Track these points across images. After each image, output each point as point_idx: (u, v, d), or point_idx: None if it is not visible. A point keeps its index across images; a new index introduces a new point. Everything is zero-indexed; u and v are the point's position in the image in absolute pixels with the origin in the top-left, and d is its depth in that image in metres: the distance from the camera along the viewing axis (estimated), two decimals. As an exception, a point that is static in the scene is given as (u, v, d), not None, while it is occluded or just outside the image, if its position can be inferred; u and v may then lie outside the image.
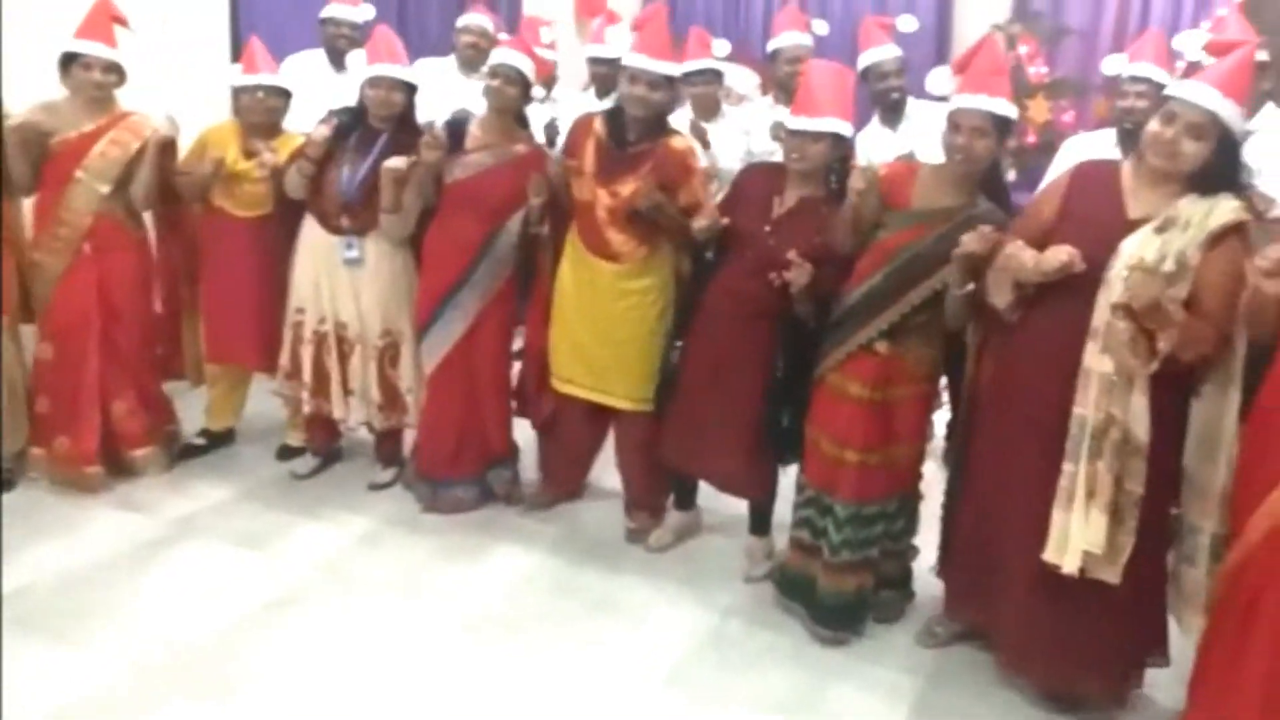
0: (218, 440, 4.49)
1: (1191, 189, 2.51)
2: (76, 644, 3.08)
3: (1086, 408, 2.53)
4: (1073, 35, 6.18)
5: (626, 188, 3.41)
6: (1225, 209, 2.46)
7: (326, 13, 4.96)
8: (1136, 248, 2.48)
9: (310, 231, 3.93)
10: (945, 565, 3.15)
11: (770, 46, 4.83)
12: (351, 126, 3.82)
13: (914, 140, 4.17)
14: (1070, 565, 2.57)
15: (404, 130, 3.81)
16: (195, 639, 3.13)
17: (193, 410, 4.47)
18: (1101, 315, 2.50)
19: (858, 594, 3.17)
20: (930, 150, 3.16)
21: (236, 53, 5.15)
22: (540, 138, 4.25)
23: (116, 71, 3.86)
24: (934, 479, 3.31)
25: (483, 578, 3.54)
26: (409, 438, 4.20)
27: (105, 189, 3.88)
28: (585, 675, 3.03)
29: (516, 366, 4.05)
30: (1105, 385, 2.50)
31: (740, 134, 4.63)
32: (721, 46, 4.89)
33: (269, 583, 3.45)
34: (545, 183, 3.64)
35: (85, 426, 3.97)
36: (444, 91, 4.58)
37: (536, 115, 4.36)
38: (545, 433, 4.01)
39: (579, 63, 5.35)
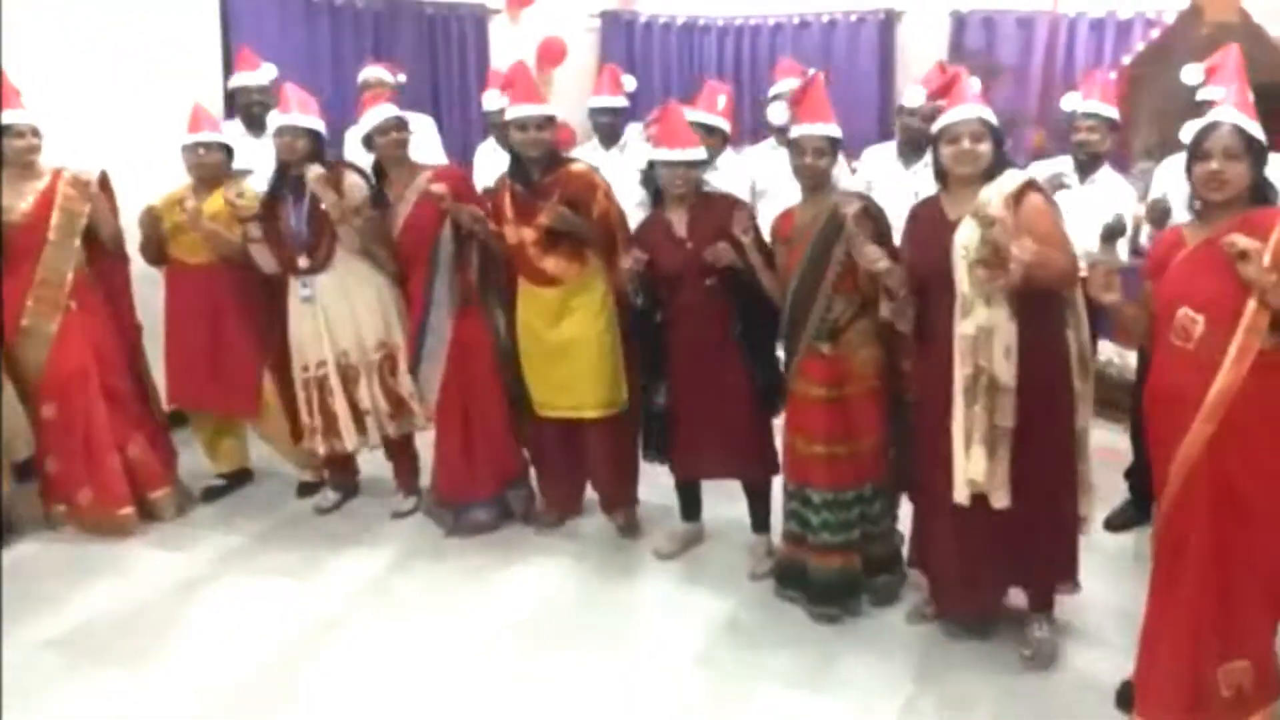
0: (236, 480, 4.75)
1: (984, 182, 3.09)
2: (139, 673, 3.35)
3: (963, 368, 3.07)
4: (1006, 72, 6.61)
5: (545, 217, 3.83)
6: (1010, 177, 3.08)
7: (233, 83, 5.21)
8: (964, 233, 3.05)
9: (292, 290, 4.24)
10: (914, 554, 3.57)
11: (771, 92, 5.24)
12: (281, 183, 4.18)
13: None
14: (960, 496, 3.09)
15: (324, 169, 4.12)
16: (250, 662, 3.41)
17: (202, 457, 4.72)
18: (966, 286, 3.04)
19: (843, 573, 3.56)
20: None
21: (229, 119, 5.48)
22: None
23: (38, 134, 4.09)
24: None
25: (512, 591, 3.85)
26: (425, 466, 4.48)
27: (76, 242, 4.14)
28: (620, 664, 3.37)
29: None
30: (969, 344, 3.04)
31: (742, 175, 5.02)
32: (722, 101, 5.31)
33: (312, 608, 3.74)
34: (446, 190, 3.95)
35: (108, 472, 4.21)
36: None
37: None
38: (535, 459, 4.35)
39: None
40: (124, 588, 3.87)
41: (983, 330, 3.02)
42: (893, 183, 4.58)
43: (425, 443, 4.47)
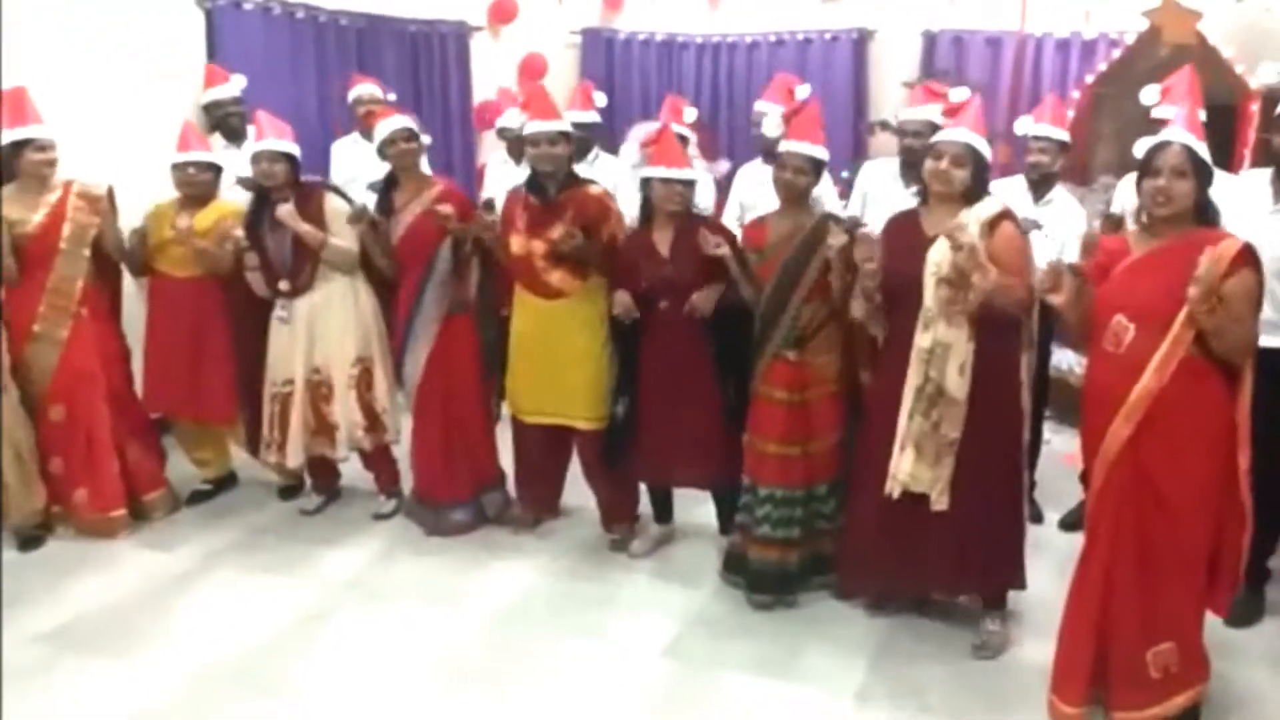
0: (221, 485, 4.88)
1: (964, 205, 3.27)
2: (131, 662, 3.48)
3: (913, 378, 3.27)
4: (975, 90, 6.78)
5: (555, 232, 3.96)
6: (989, 204, 3.28)
7: (205, 99, 5.36)
8: (938, 251, 3.22)
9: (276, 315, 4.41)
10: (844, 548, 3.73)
11: (756, 107, 5.36)
12: (260, 206, 4.34)
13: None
14: (893, 491, 3.32)
15: (302, 193, 4.30)
16: (237, 652, 3.54)
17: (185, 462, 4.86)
18: (930, 302, 3.22)
19: (779, 565, 3.74)
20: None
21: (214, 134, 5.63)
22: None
23: (56, 148, 4.23)
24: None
25: (492, 585, 4.00)
26: (405, 471, 4.62)
27: (86, 252, 4.28)
28: (592, 654, 3.53)
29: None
30: (924, 356, 3.24)
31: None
32: (690, 114, 5.50)
33: (299, 601, 3.88)
34: (453, 212, 4.14)
35: (105, 475, 4.35)
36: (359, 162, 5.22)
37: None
38: (516, 462, 4.48)
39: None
40: (113, 584, 4.00)
41: (939, 345, 3.21)
42: (891, 200, 4.75)
43: (403, 448, 4.61)
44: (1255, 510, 3.48)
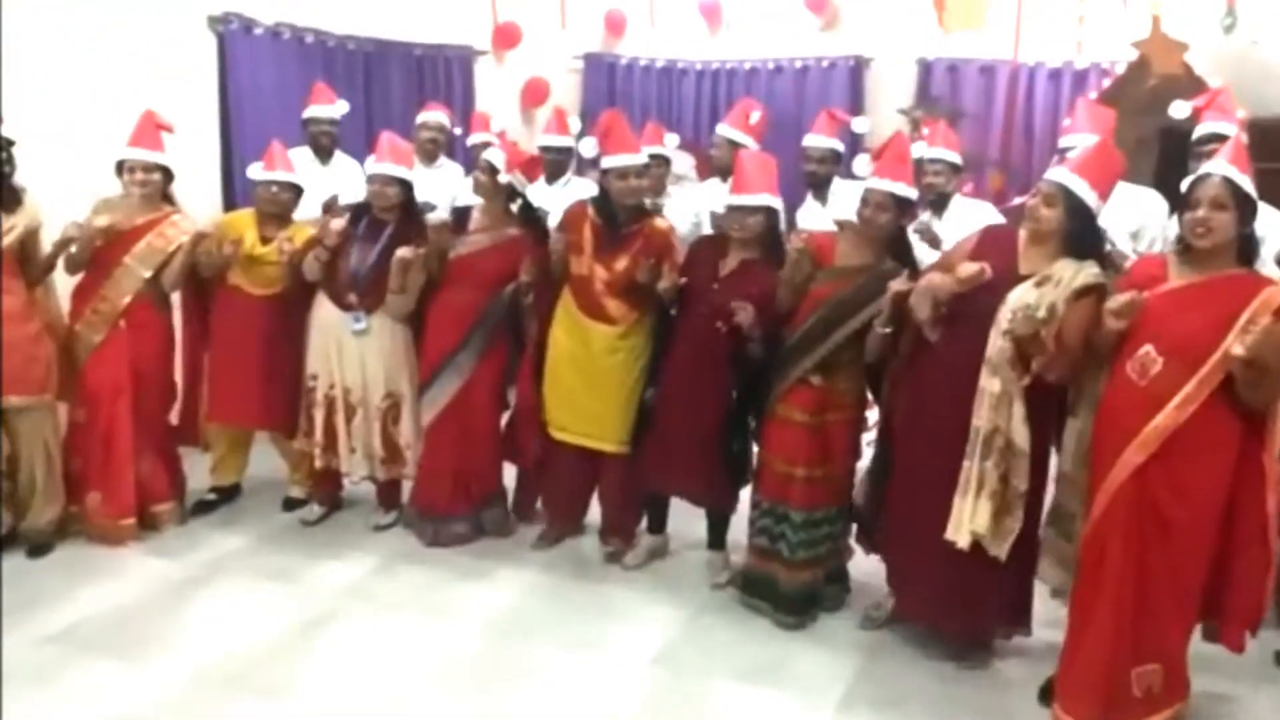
0: (226, 495, 4.99)
1: (1065, 253, 3.16)
2: (136, 665, 3.57)
3: (980, 419, 3.22)
4: (968, 118, 6.92)
5: (620, 263, 4.06)
6: (1088, 273, 3.11)
7: (308, 113, 5.50)
8: (1019, 296, 3.13)
9: (321, 309, 4.51)
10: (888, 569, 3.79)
11: (804, 143, 5.39)
12: (359, 218, 4.45)
13: (839, 212, 4.90)
14: (962, 541, 3.25)
15: (406, 219, 4.45)
16: (242, 655, 3.64)
17: (197, 471, 4.94)
18: (993, 346, 3.18)
19: (811, 586, 3.83)
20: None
21: (225, 152, 5.76)
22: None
23: (159, 171, 4.42)
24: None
25: (488, 594, 4.11)
26: (406, 485, 4.73)
27: (147, 274, 4.42)
28: (584, 662, 3.63)
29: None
30: (993, 401, 3.19)
31: (689, 208, 5.37)
32: (672, 139, 5.62)
33: (300, 607, 3.98)
34: (534, 264, 4.26)
35: (120, 482, 4.45)
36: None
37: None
38: (543, 477, 4.57)
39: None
40: (120, 589, 4.09)
41: (1005, 392, 3.16)
42: (811, 218, 4.98)
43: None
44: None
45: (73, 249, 4.25)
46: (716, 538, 4.24)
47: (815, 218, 4.91)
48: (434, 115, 5.89)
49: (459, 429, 4.44)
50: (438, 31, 7.11)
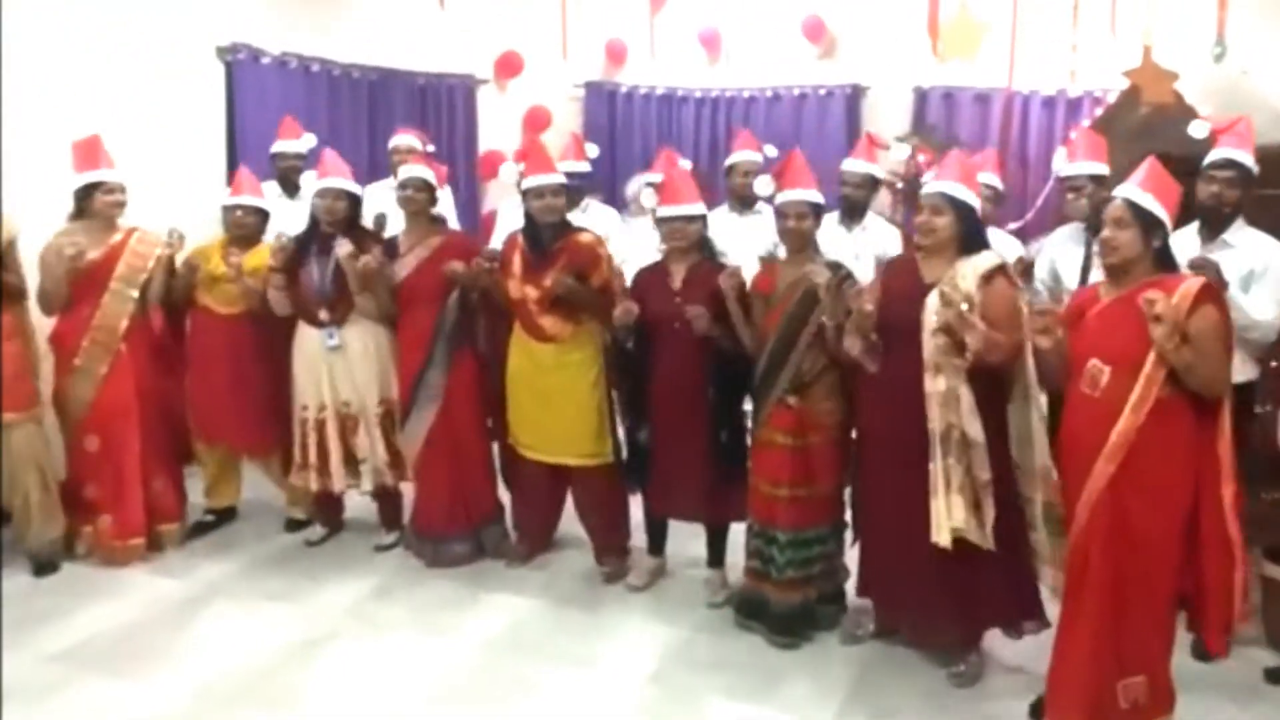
0: (224, 517, 5.05)
1: (960, 254, 3.40)
2: (140, 682, 3.64)
3: (934, 420, 3.36)
4: (963, 146, 7.01)
5: (547, 279, 4.19)
6: (986, 258, 3.40)
7: (275, 148, 5.58)
8: (937, 299, 3.34)
9: (303, 337, 4.59)
10: (862, 582, 3.85)
11: (727, 162, 5.60)
12: (309, 236, 4.54)
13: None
14: (944, 540, 3.33)
15: (353, 232, 4.52)
16: (244, 672, 3.70)
17: (193, 492, 5.01)
18: (928, 349, 3.35)
19: (803, 605, 3.88)
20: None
21: (231, 178, 5.84)
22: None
23: (125, 191, 4.49)
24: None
25: (486, 614, 4.16)
26: (406, 505, 4.79)
27: (135, 293, 4.50)
28: (580, 680, 3.68)
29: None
30: (941, 399, 3.34)
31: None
32: (685, 165, 5.71)
33: (302, 626, 4.04)
34: (461, 267, 4.34)
35: (131, 503, 4.53)
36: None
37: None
38: (514, 496, 4.66)
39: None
40: (124, 608, 4.16)
41: (950, 389, 3.32)
42: (836, 246, 4.98)
43: (406, 485, 4.78)
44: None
45: (48, 285, 4.32)
46: (715, 555, 4.29)
47: (839, 244, 4.86)
48: (404, 139, 5.89)
49: (448, 452, 4.52)
50: (441, 61, 7.25)
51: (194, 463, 5.00)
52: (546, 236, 4.24)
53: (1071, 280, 4.24)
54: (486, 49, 7.60)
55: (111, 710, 3.45)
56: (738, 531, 4.14)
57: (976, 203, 3.49)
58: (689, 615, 4.12)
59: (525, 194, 4.30)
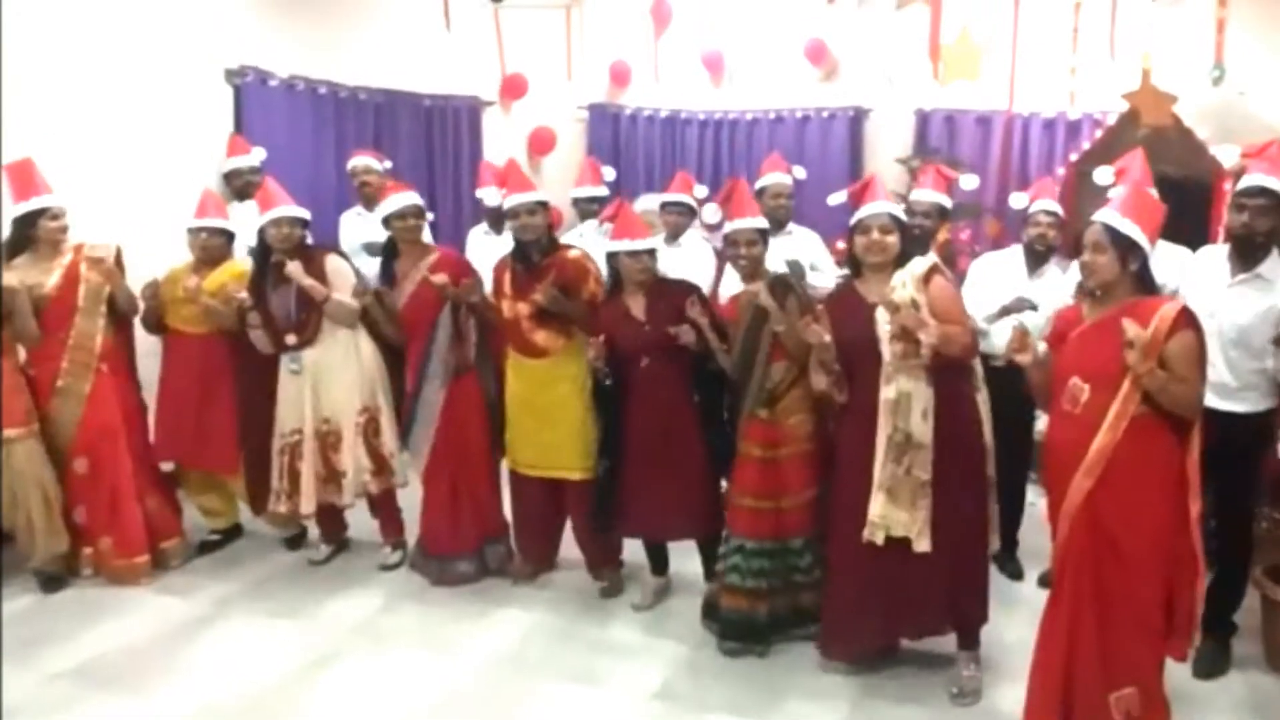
0: (228, 536, 5.08)
1: (894, 268, 3.56)
2: (147, 699, 3.67)
3: (884, 428, 3.48)
4: (965, 167, 7.03)
5: (536, 295, 4.24)
6: (919, 262, 3.57)
7: (227, 167, 5.64)
8: (882, 313, 3.48)
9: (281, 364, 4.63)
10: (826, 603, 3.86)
11: (758, 185, 5.56)
12: (264, 266, 4.58)
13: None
14: (871, 535, 3.49)
15: (305, 253, 4.54)
16: (249, 689, 3.73)
17: (195, 514, 5.03)
18: (886, 357, 3.47)
19: (749, 615, 3.91)
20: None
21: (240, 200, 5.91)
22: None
23: (67, 214, 4.50)
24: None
25: (493, 632, 4.19)
26: (410, 522, 4.82)
27: (103, 309, 4.52)
28: (587, 697, 3.71)
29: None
30: (889, 408, 3.47)
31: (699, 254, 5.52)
32: (701, 190, 5.79)
33: (306, 644, 4.06)
34: (446, 278, 4.36)
35: (130, 522, 4.56)
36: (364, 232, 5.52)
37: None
38: (515, 517, 4.69)
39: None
40: (131, 626, 4.19)
41: (903, 395, 3.46)
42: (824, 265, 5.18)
43: (408, 501, 4.81)
44: (1220, 567, 3.72)
45: (17, 324, 4.34)
46: (710, 569, 4.29)
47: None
48: (362, 160, 5.96)
49: (453, 469, 4.56)
50: (446, 83, 7.30)
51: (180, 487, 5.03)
52: (534, 254, 4.31)
53: None
54: (491, 71, 7.67)
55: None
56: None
57: (902, 218, 3.68)
58: (692, 633, 4.14)
59: (505, 214, 4.40)
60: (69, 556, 4.57)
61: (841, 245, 5.43)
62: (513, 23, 7.63)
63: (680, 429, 4.08)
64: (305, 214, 4.59)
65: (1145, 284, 3.14)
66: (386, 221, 4.52)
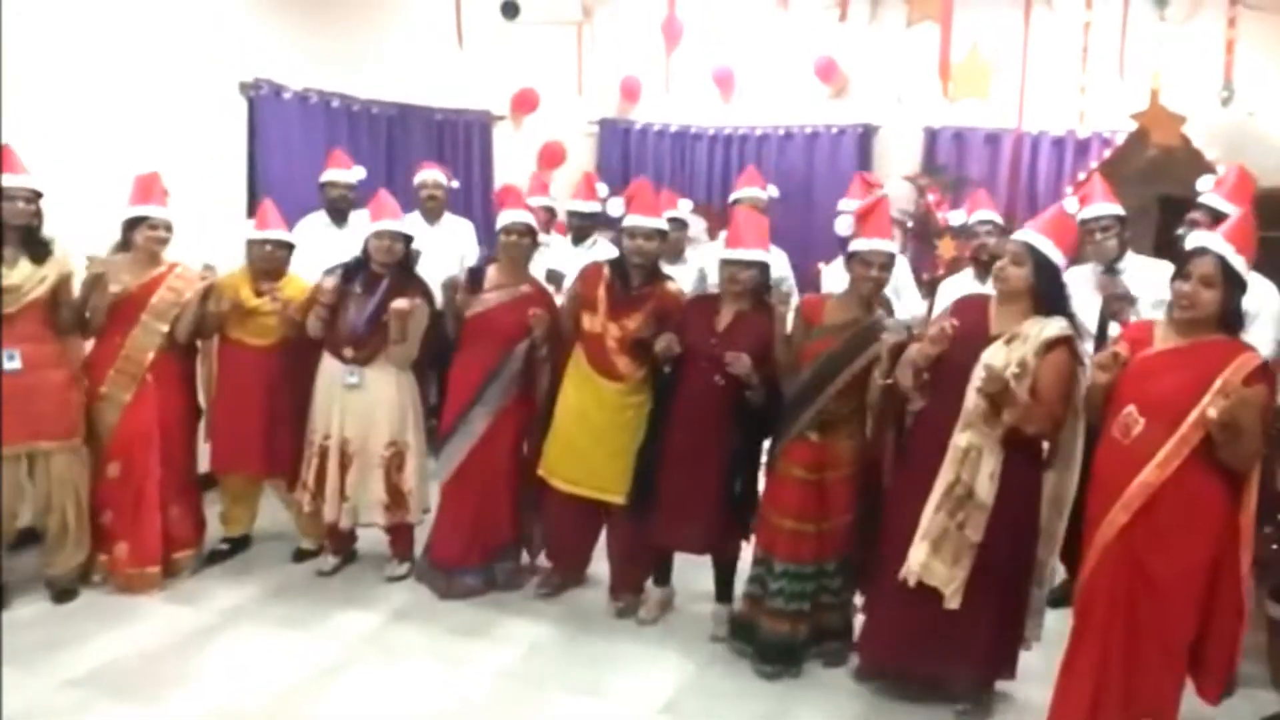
0: (237, 546, 5.10)
1: (1034, 311, 3.38)
2: (157, 707, 3.68)
3: (946, 473, 3.38)
4: (972, 184, 7.05)
5: (632, 322, 4.22)
6: (1055, 326, 3.33)
7: (325, 177, 5.67)
8: (990, 354, 3.33)
9: (325, 362, 4.66)
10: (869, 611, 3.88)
11: (732, 197, 5.67)
12: (356, 273, 4.61)
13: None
14: (906, 574, 3.42)
15: (402, 274, 4.63)
16: (258, 698, 3.75)
17: (208, 520, 5.05)
18: (969, 402, 3.35)
19: (791, 638, 3.91)
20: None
21: (252, 211, 5.94)
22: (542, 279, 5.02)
23: (170, 229, 4.60)
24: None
25: (501, 645, 4.20)
26: (419, 536, 4.84)
27: (164, 328, 4.58)
28: (593, 711, 3.72)
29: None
30: (958, 455, 3.36)
31: (698, 269, 5.55)
32: (685, 204, 5.81)
33: (317, 654, 4.08)
34: (546, 318, 4.41)
35: (148, 531, 4.57)
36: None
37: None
38: (548, 528, 4.68)
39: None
40: (141, 634, 4.20)
41: (974, 447, 3.33)
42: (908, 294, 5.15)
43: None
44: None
45: (88, 314, 4.41)
46: (723, 590, 4.32)
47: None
48: (430, 174, 6.02)
49: (476, 487, 4.55)
50: (458, 97, 7.36)
51: (214, 488, 5.06)
52: (637, 278, 4.29)
53: (1090, 323, 4.20)
54: (503, 86, 7.73)
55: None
56: (744, 567, 4.17)
57: (1062, 261, 3.43)
58: (701, 647, 4.16)
59: (623, 231, 4.34)
60: (84, 563, 4.59)
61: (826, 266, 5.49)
62: (524, 38, 7.68)
63: (712, 445, 4.05)
64: (411, 231, 4.66)
65: (1232, 321, 3.04)
66: (500, 234, 4.54)
